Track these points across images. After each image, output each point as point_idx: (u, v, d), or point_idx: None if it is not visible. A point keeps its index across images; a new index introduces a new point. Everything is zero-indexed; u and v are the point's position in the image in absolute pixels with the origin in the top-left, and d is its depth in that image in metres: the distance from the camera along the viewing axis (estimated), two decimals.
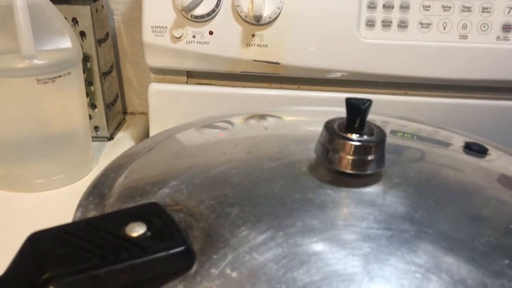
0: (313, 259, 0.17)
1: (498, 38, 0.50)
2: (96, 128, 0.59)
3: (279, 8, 0.50)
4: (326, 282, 0.16)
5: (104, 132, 0.60)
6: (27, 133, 0.47)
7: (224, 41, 0.51)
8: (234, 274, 0.16)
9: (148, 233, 0.17)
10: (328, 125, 0.20)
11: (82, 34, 0.55)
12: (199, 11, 0.50)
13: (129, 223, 0.17)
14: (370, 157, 0.20)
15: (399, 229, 0.18)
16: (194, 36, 0.51)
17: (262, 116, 0.31)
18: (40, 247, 0.16)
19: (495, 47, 0.50)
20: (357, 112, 0.20)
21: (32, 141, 0.47)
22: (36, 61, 0.44)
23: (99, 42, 0.57)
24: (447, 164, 0.24)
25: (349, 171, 0.20)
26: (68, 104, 0.49)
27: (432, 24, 0.50)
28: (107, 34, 0.60)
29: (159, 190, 0.20)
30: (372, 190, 0.20)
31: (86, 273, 0.15)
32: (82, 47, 0.54)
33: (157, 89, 0.55)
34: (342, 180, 0.20)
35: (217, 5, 0.50)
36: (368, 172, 0.20)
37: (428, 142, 0.27)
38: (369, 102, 0.20)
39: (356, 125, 0.20)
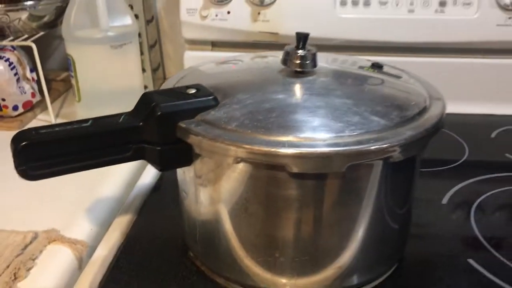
0: (274, 99, 0.36)
1: (436, 11, 0.69)
2: (145, 87, 0.79)
3: None
4: (280, 109, 0.35)
5: (150, 89, 0.80)
6: (104, 86, 0.68)
7: (238, 19, 0.71)
8: (235, 106, 0.36)
9: (196, 92, 0.37)
10: (286, 47, 0.40)
11: (136, 16, 0.76)
12: None
13: (188, 89, 0.37)
14: (308, 61, 0.39)
15: (318, 92, 0.38)
16: (216, 15, 0.71)
17: (264, 56, 0.50)
18: (149, 95, 0.36)
19: (434, 18, 0.69)
20: (301, 37, 0.39)
21: (106, 92, 0.68)
22: (109, 33, 0.65)
23: (148, 22, 0.78)
24: (354, 71, 0.44)
25: (298, 68, 0.39)
26: (130, 65, 0.69)
27: (388, 2, 0.69)
28: (152, 17, 0.80)
29: (200, 82, 0.40)
30: (309, 77, 0.39)
31: (174, 102, 0.35)
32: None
33: (190, 55, 0.76)
34: (295, 74, 0.40)
35: None
36: (307, 69, 0.39)
37: (352, 64, 0.46)
38: (307, 34, 0.40)
39: (300, 46, 0.39)
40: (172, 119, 0.35)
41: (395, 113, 0.36)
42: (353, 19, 0.70)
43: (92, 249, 0.45)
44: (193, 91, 0.37)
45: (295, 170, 0.32)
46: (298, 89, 0.39)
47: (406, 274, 0.42)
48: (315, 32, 0.70)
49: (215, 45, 0.76)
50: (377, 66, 0.45)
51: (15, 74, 0.68)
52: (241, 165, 0.34)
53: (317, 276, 0.38)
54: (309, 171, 0.32)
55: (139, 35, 0.77)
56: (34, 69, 0.71)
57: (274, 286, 0.38)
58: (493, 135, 0.67)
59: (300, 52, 0.40)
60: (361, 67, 0.45)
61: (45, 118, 0.72)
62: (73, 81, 0.68)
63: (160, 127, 0.35)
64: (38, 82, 0.71)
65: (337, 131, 0.33)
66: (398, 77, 0.43)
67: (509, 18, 0.67)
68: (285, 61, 0.40)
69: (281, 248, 0.36)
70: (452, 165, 0.59)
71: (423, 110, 0.37)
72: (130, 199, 0.51)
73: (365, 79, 0.42)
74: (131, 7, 0.75)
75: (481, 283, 0.41)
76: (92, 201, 0.51)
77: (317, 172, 0.33)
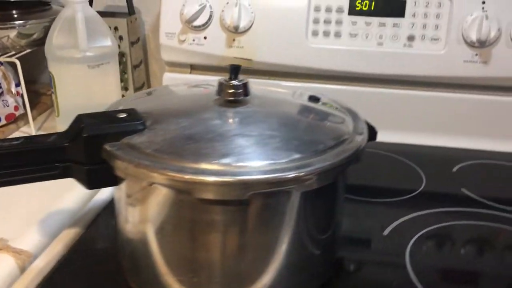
0: (198, 126, 0.39)
1: (404, 45, 0.70)
2: None
3: (251, 22, 0.72)
4: (200, 136, 0.38)
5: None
6: (81, 103, 0.71)
7: (214, 44, 0.74)
8: (160, 132, 0.38)
9: (127, 116, 0.39)
10: (220, 79, 0.43)
11: (121, 38, 0.80)
12: (197, 23, 0.73)
13: (120, 113, 0.40)
14: (239, 91, 0.42)
15: (243, 121, 0.40)
16: (194, 40, 0.74)
17: None
18: (81, 117, 0.39)
19: (402, 51, 0.70)
20: (233, 69, 0.42)
21: (84, 108, 0.70)
22: (88, 53, 0.68)
23: (132, 43, 0.81)
24: (287, 102, 0.46)
25: (229, 98, 0.42)
26: (108, 83, 0.72)
27: (358, 34, 0.71)
28: (138, 39, 0.84)
29: (140, 105, 0.43)
30: (239, 106, 0.42)
31: (101, 125, 0.38)
32: (119, 46, 0.79)
33: (169, 77, 0.79)
34: (227, 104, 0.42)
35: (209, 19, 0.73)
36: (239, 98, 0.42)
37: (291, 95, 0.49)
38: (239, 66, 0.42)
39: (233, 77, 0.42)
40: (98, 141, 0.37)
41: (309, 145, 0.38)
42: (324, 49, 0.72)
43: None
44: (123, 115, 0.39)
45: (197, 196, 0.34)
46: (224, 117, 0.41)
47: None
48: (287, 60, 0.73)
49: (194, 68, 0.79)
50: (314, 99, 0.46)
51: None
52: (156, 189, 0.36)
53: None
54: (212, 198, 0.34)
55: (123, 55, 0.81)
56: (19, 84, 0.75)
57: None
58: (454, 169, 0.67)
59: (232, 82, 0.42)
60: (298, 99, 0.47)
61: (27, 131, 0.76)
62: (53, 97, 0.71)
63: (86, 148, 0.37)
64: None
65: (247, 160, 0.35)
66: (330, 110, 0.45)
67: (476, 54, 0.68)
68: (218, 91, 0.43)
69: (194, 269, 0.38)
70: (405, 197, 0.60)
71: (339, 144, 0.39)
72: (83, 213, 0.54)
73: (295, 110, 0.44)
74: (116, 28, 0.79)
75: None
76: (46, 213, 0.53)
77: (220, 199, 0.34)
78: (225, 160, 0.35)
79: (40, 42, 0.77)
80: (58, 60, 0.69)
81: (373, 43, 0.71)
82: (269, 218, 0.37)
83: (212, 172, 0.34)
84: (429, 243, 0.51)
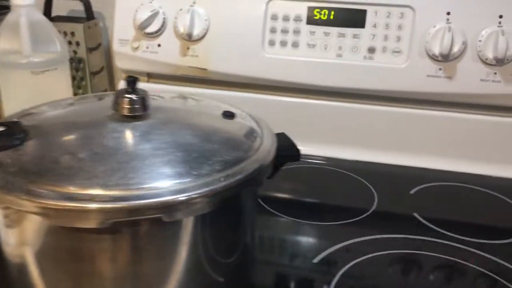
0: (75, 144, 0.35)
1: (365, 57, 0.66)
2: None
3: (205, 29, 0.69)
4: (71, 155, 0.34)
5: None
6: None
7: (168, 52, 0.71)
8: (32, 149, 0.35)
9: (5, 130, 0.36)
10: (116, 92, 0.39)
11: (78, 43, 0.77)
12: (150, 29, 0.70)
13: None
14: (136, 106, 0.38)
15: (129, 140, 0.37)
16: (147, 47, 0.71)
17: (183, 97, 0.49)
18: None
19: (362, 64, 0.66)
20: (130, 82, 0.38)
21: None
22: (31, 59, 0.66)
23: (90, 50, 0.79)
24: (194, 118, 0.42)
25: (125, 113, 0.38)
26: (56, 90, 0.70)
27: (316, 45, 0.67)
28: (99, 45, 0.82)
29: (36, 117, 0.40)
30: (134, 122, 0.38)
31: None
32: (76, 52, 0.76)
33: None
34: (122, 119, 0.39)
35: (162, 26, 0.70)
36: (136, 113, 0.38)
37: (201, 109, 0.45)
38: (136, 78, 0.39)
39: (130, 90, 0.39)
40: None
41: (194, 169, 0.34)
42: (281, 60, 0.68)
43: None
44: (1, 128, 0.37)
45: (47, 222, 0.31)
46: (111, 135, 0.37)
47: None
48: (242, 70, 0.70)
49: (152, 76, 0.76)
50: (228, 115, 0.43)
51: None
52: (20, 213, 0.33)
53: None
54: (64, 224, 0.31)
55: (81, 61, 0.78)
56: None
57: None
58: (412, 191, 0.63)
59: (128, 96, 0.39)
60: (211, 114, 0.43)
61: None
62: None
63: None
64: None
65: (111, 185, 0.32)
66: (238, 130, 0.42)
67: (440, 69, 0.64)
68: (114, 105, 0.39)
69: None
70: (349, 220, 0.56)
71: (229, 167, 0.35)
72: None
73: (199, 127, 0.41)
74: (73, 34, 0.77)
75: None
76: None
77: (77, 227, 0.31)
78: (92, 183, 0.32)
79: None
80: (2, 66, 0.67)
81: (332, 54, 0.67)
82: (151, 245, 0.34)
83: (71, 197, 0.31)
84: (358, 275, 0.47)
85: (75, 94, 0.79)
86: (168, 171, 0.34)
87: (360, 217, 0.57)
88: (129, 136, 0.38)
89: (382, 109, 0.68)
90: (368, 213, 0.57)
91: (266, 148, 0.39)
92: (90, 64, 0.79)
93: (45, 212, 0.31)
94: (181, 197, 0.32)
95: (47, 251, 0.34)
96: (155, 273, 0.35)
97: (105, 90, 0.85)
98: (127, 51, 0.72)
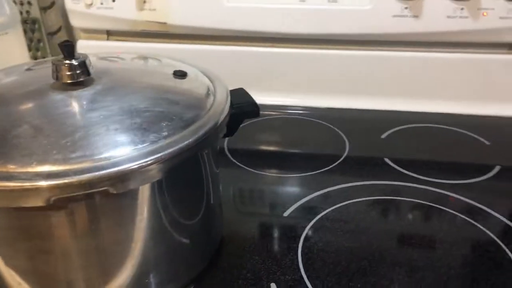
0: (17, 116, 0.34)
1: (329, 0, 0.63)
2: None
3: None
4: (21, 129, 0.32)
5: None
6: None
7: (123, 7, 0.68)
8: None
9: None
10: (54, 60, 0.37)
11: (29, 2, 0.73)
12: None
13: None
14: (77, 71, 0.36)
15: (72, 108, 0.35)
16: (102, 3, 0.68)
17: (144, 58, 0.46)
18: None
19: (326, 8, 0.64)
20: (65, 46, 0.36)
21: None
22: None
23: (44, 9, 0.75)
24: (142, 79, 0.40)
25: (67, 80, 0.36)
26: (11, 55, 0.67)
27: None
28: (53, 3, 0.77)
29: None
30: (76, 90, 0.36)
31: None
32: (29, 13, 0.72)
33: (84, 44, 0.73)
34: (65, 87, 0.37)
35: None
36: (78, 79, 0.36)
37: (150, 69, 0.43)
38: (70, 42, 0.36)
39: (68, 55, 0.36)
40: None
41: (147, 133, 0.33)
42: (241, 8, 0.65)
43: None
44: None
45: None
46: (51, 105, 0.35)
47: None
48: (203, 22, 0.67)
49: (111, 34, 0.73)
50: (179, 74, 0.41)
51: None
52: None
53: None
54: (5, 206, 0.30)
55: (35, 22, 0.74)
56: None
57: None
58: (383, 135, 0.62)
59: (67, 62, 0.37)
60: (162, 73, 0.41)
61: None
62: None
63: None
64: None
65: (51, 161, 0.30)
66: (189, 88, 0.40)
67: (405, 8, 0.61)
68: (54, 74, 0.37)
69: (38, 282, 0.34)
70: (319, 170, 0.55)
71: (184, 128, 0.34)
72: None
73: (148, 89, 0.38)
74: None
75: None
76: None
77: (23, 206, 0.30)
78: (30, 160, 0.30)
79: None
80: None
81: None
82: (108, 215, 0.33)
83: (8, 176, 0.29)
84: (328, 225, 0.47)
85: (34, 57, 0.76)
86: (116, 139, 0.32)
87: (332, 165, 0.56)
88: (72, 105, 0.36)
89: (348, 53, 0.66)
90: (339, 161, 0.57)
91: (219, 107, 0.37)
92: (46, 24, 0.75)
93: None
94: (131, 166, 0.30)
95: None
96: (117, 244, 0.34)
97: None
98: (80, 9, 0.69)
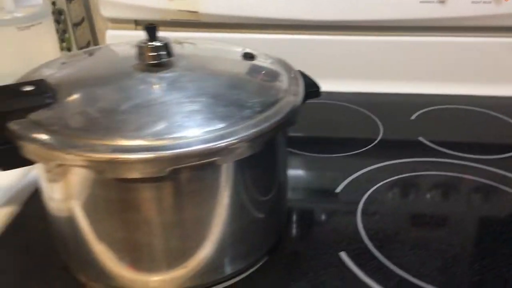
0: (111, 97, 0.35)
1: None
2: None
3: None
4: (110, 108, 0.34)
5: None
6: (17, 68, 0.66)
7: None
8: (68, 105, 0.35)
9: (33, 89, 0.35)
10: (138, 42, 0.38)
11: None
12: None
13: (25, 85, 0.36)
14: (160, 53, 0.38)
15: (162, 88, 0.36)
16: None
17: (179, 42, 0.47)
18: None
19: None
20: (149, 29, 0.38)
21: (19, 74, 0.66)
22: (16, 14, 0.63)
23: (69, 0, 0.75)
24: (217, 62, 0.42)
25: (150, 61, 0.38)
26: (43, 45, 0.67)
27: None
28: None
29: (57, 74, 0.39)
30: (161, 71, 0.38)
31: (3, 98, 0.34)
32: (55, 4, 0.73)
33: (113, 34, 0.74)
34: (148, 68, 0.38)
35: None
36: (161, 61, 0.38)
37: (222, 53, 0.45)
38: (155, 26, 0.38)
39: (151, 37, 0.38)
40: (1, 119, 0.34)
41: (236, 112, 0.34)
42: None
43: None
44: (29, 88, 0.36)
45: (110, 175, 0.31)
46: (142, 85, 0.37)
47: (274, 268, 0.41)
48: (235, 10, 0.69)
49: (139, 23, 0.74)
50: (248, 56, 0.43)
51: None
52: (67, 169, 0.33)
53: (168, 275, 0.37)
54: (124, 176, 0.31)
55: (61, 13, 0.75)
56: None
57: (128, 285, 0.38)
58: (413, 116, 0.65)
59: (151, 44, 0.38)
60: (231, 57, 0.43)
61: None
62: None
63: None
64: None
65: (161, 134, 0.32)
66: (262, 69, 0.42)
67: None
68: (138, 55, 0.39)
69: (128, 249, 0.36)
70: (360, 150, 0.58)
71: (268, 107, 0.36)
72: (18, 190, 0.51)
73: (225, 71, 0.40)
74: None
75: (344, 278, 0.40)
76: None
77: (137, 177, 0.32)
78: (140, 134, 0.32)
79: None
80: None
81: None
82: (198, 191, 0.35)
83: (124, 149, 0.31)
84: (380, 200, 0.49)
85: (60, 48, 0.76)
86: (209, 117, 0.34)
87: (371, 145, 0.59)
88: (160, 85, 0.37)
89: (376, 39, 0.69)
90: (377, 141, 0.59)
91: (297, 87, 0.39)
92: (71, 15, 0.76)
93: (98, 166, 0.31)
94: (228, 141, 0.32)
95: (95, 203, 0.35)
96: (201, 217, 0.36)
97: (89, 42, 0.82)
98: None
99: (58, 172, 0.34)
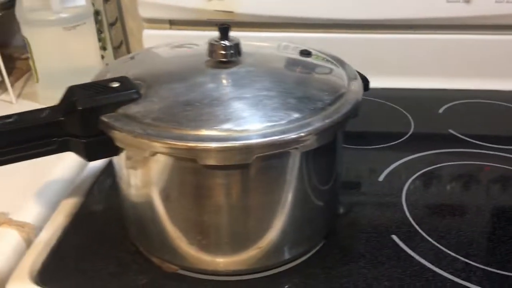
0: (193, 92, 0.38)
1: None
2: (107, 65, 0.80)
3: None
4: (196, 101, 0.37)
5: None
6: (61, 67, 0.69)
7: None
8: (155, 100, 0.38)
9: (119, 86, 0.38)
10: (210, 40, 0.41)
11: None
12: None
13: (112, 82, 0.39)
14: (231, 51, 0.41)
15: (237, 83, 0.39)
16: None
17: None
18: (73, 89, 0.38)
19: None
20: (223, 29, 0.41)
21: (64, 72, 0.69)
22: (62, 15, 0.66)
23: (106, 0, 0.78)
24: (279, 59, 0.45)
25: (221, 59, 0.41)
26: (86, 44, 0.70)
27: None
28: None
29: (129, 72, 0.42)
30: (232, 67, 0.41)
31: (95, 97, 0.37)
32: (94, 5, 0.75)
33: (148, 33, 0.77)
34: (219, 65, 0.41)
35: None
36: (231, 59, 0.41)
37: (281, 51, 0.48)
38: (228, 25, 0.41)
39: (223, 36, 0.41)
40: (93, 113, 0.37)
41: (309, 103, 0.38)
42: None
43: (41, 231, 0.47)
44: (116, 84, 0.39)
45: (202, 162, 0.34)
46: (218, 80, 0.40)
47: (331, 250, 0.45)
48: (270, 10, 0.72)
49: (173, 23, 0.77)
50: (305, 53, 0.46)
51: None
52: (157, 157, 0.36)
53: (241, 256, 0.40)
54: (216, 163, 0.34)
55: (98, 13, 0.78)
56: None
57: (203, 266, 0.41)
58: (441, 110, 0.69)
59: (223, 43, 0.41)
60: (290, 54, 0.46)
61: (6, 99, 0.73)
62: (31, 62, 0.69)
63: (81, 121, 0.37)
64: None
65: (247, 124, 0.35)
66: (323, 63, 0.45)
67: None
68: (210, 52, 0.42)
69: (204, 232, 0.39)
70: (396, 142, 0.61)
71: (338, 98, 0.39)
72: (79, 182, 0.54)
73: (289, 67, 0.44)
74: None
75: (399, 258, 0.43)
76: (42, 184, 0.53)
77: (225, 164, 0.35)
78: (226, 125, 0.35)
79: (9, 5, 0.74)
80: (31, 24, 0.66)
81: None
82: (271, 179, 0.38)
83: (214, 138, 0.34)
84: (422, 187, 0.53)
85: None
86: (285, 109, 0.37)
87: (405, 137, 0.62)
88: (233, 80, 0.41)
89: (404, 37, 0.72)
90: (410, 133, 0.63)
91: (357, 83, 0.43)
92: (107, 16, 0.78)
93: (194, 155, 0.34)
94: (314, 130, 0.35)
95: (177, 189, 0.38)
96: (274, 202, 0.39)
97: (121, 42, 0.85)
98: (151, 0, 0.72)
99: (142, 161, 0.37)
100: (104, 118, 0.36)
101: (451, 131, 0.63)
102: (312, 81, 0.42)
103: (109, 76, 0.42)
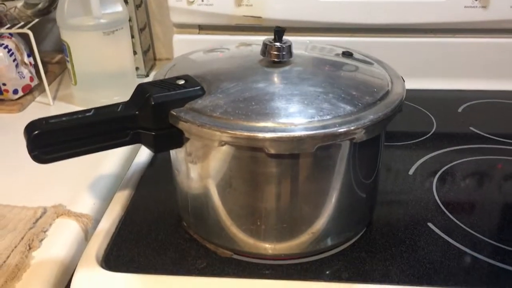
0: (254, 88, 0.41)
1: None
2: (137, 68, 0.84)
3: None
4: (259, 97, 0.40)
5: (142, 71, 0.85)
6: (97, 70, 0.72)
7: (223, 3, 0.75)
8: (220, 96, 0.41)
9: (185, 83, 0.42)
10: (265, 40, 0.45)
11: (126, 1, 0.80)
12: None
13: (178, 80, 0.42)
14: (284, 53, 0.44)
15: (293, 81, 0.43)
16: (202, 0, 0.75)
17: (248, 44, 0.54)
18: (144, 86, 0.41)
19: (406, 1, 0.73)
20: (278, 31, 0.44)
21: (100, 75, 0.72)
22: (102, 20, 0.69)
23: (137, 6, 0.82)
24: (326, 59, 0.49)
25: (275, 59, 0.44)
26: (122, 49, 0.73)
27: None
28: (141, 1, 0.84)
29: (187, 72, 0.45)
30: (285, 67, 0.44)
31: (165, 93, 0.40)
32: None
33: (179, 38, 0.80)
34: (273, 64, 0.45)
35: None
36: (283, 59, 0.45)
37: (326, 52, 0.52)
38: (284, 28, 0.44)
39: (277, 39, 0.44)
40: (165, 108, 0.40)
41: (359, 99, 0.41)
42: (333, 2, 0.74)
43: (96, 221, 0.50)
44: (182, 82, 0.42)
45: (271, 151, 0.37)
46: (275, 78, 0.44)
47: (373, 236, 0.48)
48: (297, 15, 0.75)
49: (202, 28, 0.80)
50: (347, 54, 0.50)
51: (14, 60, 0.72)
52: (225, 147, 0.39)
53: (294, 241, 0.44)
54: (283, 152, 0.38)
55: (130, 19, 0.81)
56: (31, 54, 0.75)
57: (257, 250, 0.44)
58: (460, 109, 0.72)
59: (277, 44, 0.45)
60: (333, 55, 0.50)
61: (44, 101, 0.76)
62: (69, 66, 0.72)
63: (154, 115, 0.40)
64: (35, 66, 0.75)
65: (308, 117, 0.38)
66: (364, 63, 0.48)
67: (476, 0, 0.72)
68: (264, 52, 0.45)
69: (262, 218, 0.42)
70: (421, 139, 0.65)
71: (385, 95, 0.42)
72: (128, 175, 0.57)
73: (336, 67, 0.47)
74: None
75: (437, 243, 0.47)
76: (93, 178, 0.56)
77: (291, 153, 0.38)
78: (290, 118, 0.38)
79: (46, 11, 0.77)
80: (71, 29, 0.69)
81: None
82: (327, 168, 0.41)
83: (281, 129, 0.37)
84: (451, 178, 0.56)
85: None
86: (339, 102, 0.40)
87: (429, 134, 0.66)
88: (288, 78, 0.44)
89: (425, 40, 0.76)
90: (433, 131, 0.66)
91: (399, 79, 0.46)
92: (138, 21, 0.82)
93: (262, 145, 0.37)
94: (364, 123, 0.38)
95: (238, 178, 0.41)
96: (324, 190, 0.42)
97: (149, 47, 0.88)
98: (182, 6, 0.76)
99: (208, 151, 0.41)
100: (174, 112, 0.40)
101: (472, 128, 0.67)
102: (359, 79, 0.45)
103: (175, 73, 0.45)
